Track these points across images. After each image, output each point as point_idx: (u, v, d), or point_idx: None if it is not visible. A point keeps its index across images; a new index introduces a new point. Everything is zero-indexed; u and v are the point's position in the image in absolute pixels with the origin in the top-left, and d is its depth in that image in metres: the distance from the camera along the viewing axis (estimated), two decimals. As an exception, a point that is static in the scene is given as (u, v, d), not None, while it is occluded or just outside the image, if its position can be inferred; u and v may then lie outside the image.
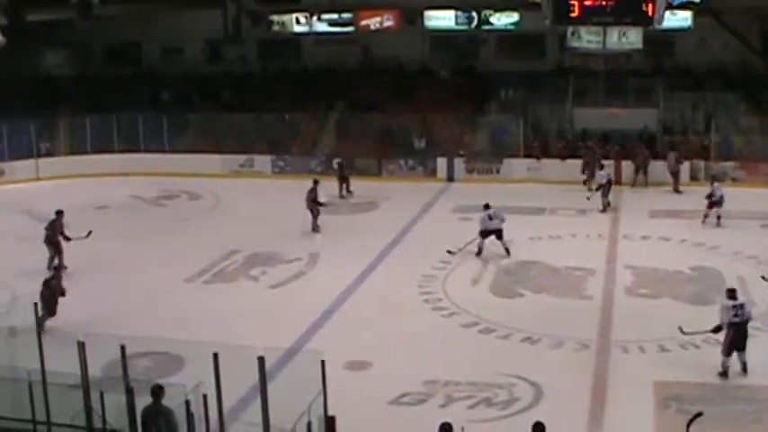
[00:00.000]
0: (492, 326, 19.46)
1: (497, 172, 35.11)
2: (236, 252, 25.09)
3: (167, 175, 35.82)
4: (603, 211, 29.04)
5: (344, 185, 32.59)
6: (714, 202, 27.24)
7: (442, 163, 35.69)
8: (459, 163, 35.46)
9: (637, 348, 18.05)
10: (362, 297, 21.68)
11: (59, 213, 23.93)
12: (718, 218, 27.20)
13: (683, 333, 17.47)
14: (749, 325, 16.89)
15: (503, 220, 24.22)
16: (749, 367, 16.72)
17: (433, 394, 16.04)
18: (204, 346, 11.93)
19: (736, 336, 16.70)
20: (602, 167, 31.31)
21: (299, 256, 24.67)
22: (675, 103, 36.60)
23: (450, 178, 35.03)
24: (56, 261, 23.00)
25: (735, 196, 29.16)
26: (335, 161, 34.22)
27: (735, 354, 16.62)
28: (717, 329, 16.92)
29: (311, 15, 40.43)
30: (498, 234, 24.10)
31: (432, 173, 35.75)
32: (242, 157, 37.34)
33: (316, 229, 27.39)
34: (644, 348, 18.04)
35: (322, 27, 40.67)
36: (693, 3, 36.14)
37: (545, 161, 34.63)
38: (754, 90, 36.72)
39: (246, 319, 19.76)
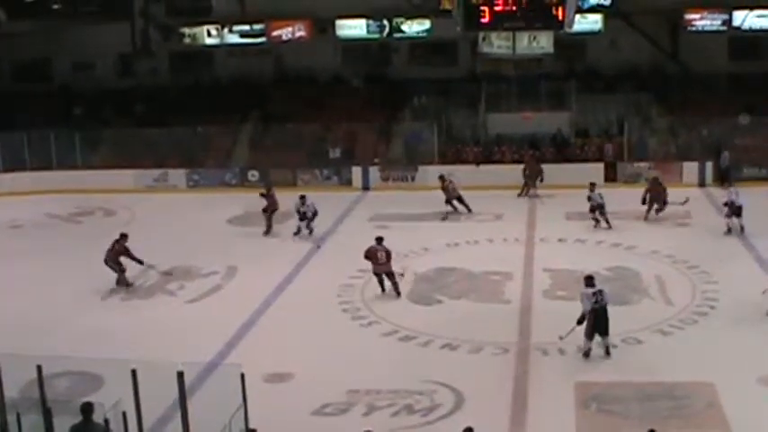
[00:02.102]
0: (412, 333, 19.41)
1: (413, 179, 35.15)
2: (152, 267, 24.71)
3: (81, 191, 35.17)
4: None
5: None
6: (734, 210, 26.66)
7: (357, 172, 35.66)
8: (374, 171, 35.44)
9: (556, 350, 18.12)
10: (281, 309, 21.47)
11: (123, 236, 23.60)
12: (742, 228, 26.58)
13: (561, 338, 17.78)
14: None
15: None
16: (670, 363, 17.03)
17: (355, 403, 15.93)
18: (122, 364, 11.76)
19: (596, 320, 17.36)
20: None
21: (216, 269, 24.40)
22: (588, 105, 37.07)
23: (366, 187, 34.99)
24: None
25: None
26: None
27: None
28: (581, 320, 17.46)
29: (222, 27, 40.10)
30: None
31: (347, 182, 35.68)
32: (156, 172, 36.90)
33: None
34: (563, 350, 18.10)
35: (233, 39, 40.37)
36: (604, 6, 36.74)
37: (460, 167, 34.67)
38: (665, 91, 37.41)
39: (165, 335, 19.47)
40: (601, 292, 17.64)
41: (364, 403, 15.93)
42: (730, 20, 37.52)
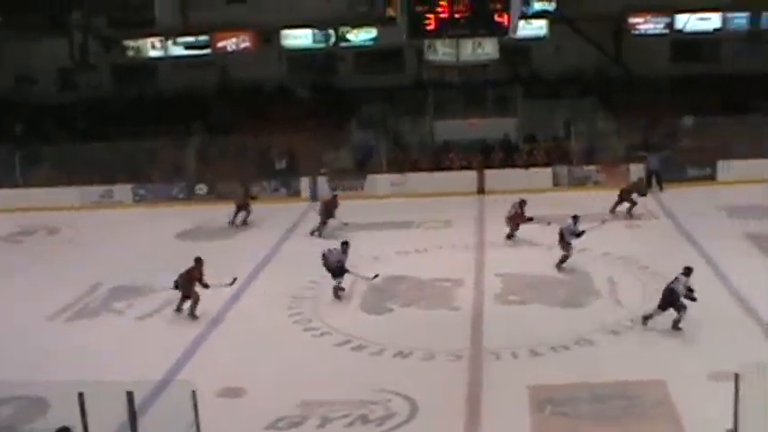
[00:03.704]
0: (364, 343, 19.28)
1: (362, 189, 35.01)
2: (99, 286, 24.33)
3: (23, 210, 34.53)
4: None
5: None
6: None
7: (305, 183, 35.41)
8: (322, 182, 35.24)
9: (509, 355, 18.13)
10: (232, 323, 21.22)
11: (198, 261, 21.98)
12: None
13: None
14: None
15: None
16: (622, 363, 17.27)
17: (309, 416, 15.77)
18: (69, 386, 11.49)
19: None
20: None
21: (164, 285, 24.04)
22: (534, 110, 37.16)
23: (314, 198, 34.76)
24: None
25: (599, 199, 29.78)
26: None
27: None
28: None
29: (166, 39, 39.77)
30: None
31: (295, 193, 35.39)
32: (101, 188, 36.20)
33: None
34: (516, 354, 18.13)
35: (178, 51, 40.02)
36: (548, 11, 36.94)
37: (410, 175, 34.65)
38: (610, 95, 37.63)
39: (113, 354, 19.15)
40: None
41: (318, 415, 15.78)
42: (673, 23, 38.06)
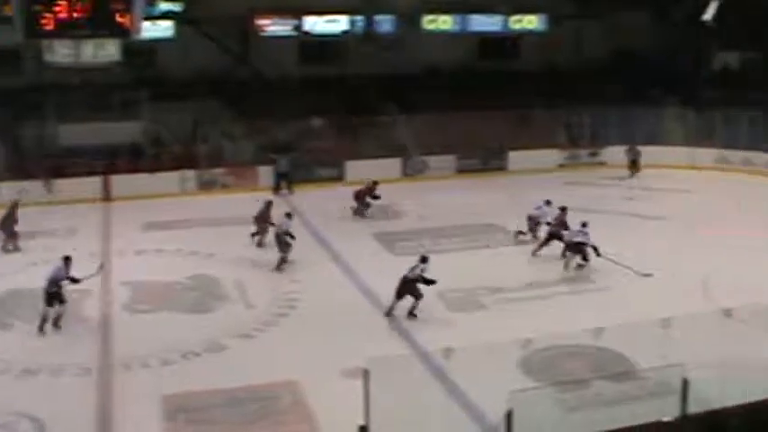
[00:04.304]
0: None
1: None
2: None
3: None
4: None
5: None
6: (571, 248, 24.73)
7: None
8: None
9: (140, 365, 17.70)
10: None
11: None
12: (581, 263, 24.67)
13: None
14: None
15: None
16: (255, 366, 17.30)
17: None
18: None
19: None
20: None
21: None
22: (161, 113, 36.47)
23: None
24: None
25: (226, 202, 29.77)
26: None
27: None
28: None
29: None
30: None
31: None
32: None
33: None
34: (147, 364, 17.74)
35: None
36: (174, 12, 36.43)
37: (30, 183, 32.65)
38: (238, 96, 37.56)
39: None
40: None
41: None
42: (300, 25, 38.67)
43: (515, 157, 37.61)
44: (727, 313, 15.75)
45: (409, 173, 36.45)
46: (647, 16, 41.84)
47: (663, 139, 38.79)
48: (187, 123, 36.53)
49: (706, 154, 37.49)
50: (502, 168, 37.47)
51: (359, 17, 38.76)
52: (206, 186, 33.82)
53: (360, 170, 34.74)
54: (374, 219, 29.40)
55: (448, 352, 13.96)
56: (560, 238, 24.35)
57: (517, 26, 42.11)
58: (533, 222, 26.47)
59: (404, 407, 13.35)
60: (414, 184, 34.07)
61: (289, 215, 25.08)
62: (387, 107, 37.49)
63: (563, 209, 25.54)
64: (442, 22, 40.65)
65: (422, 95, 38.23)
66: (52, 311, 19.58)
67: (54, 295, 19.54)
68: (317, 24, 39.03)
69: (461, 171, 37.11)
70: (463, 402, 15.61)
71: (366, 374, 12.65)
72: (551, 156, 38.48)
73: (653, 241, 26.40)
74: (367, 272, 23.40)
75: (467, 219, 28.03)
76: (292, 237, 24.24)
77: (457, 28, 40.98)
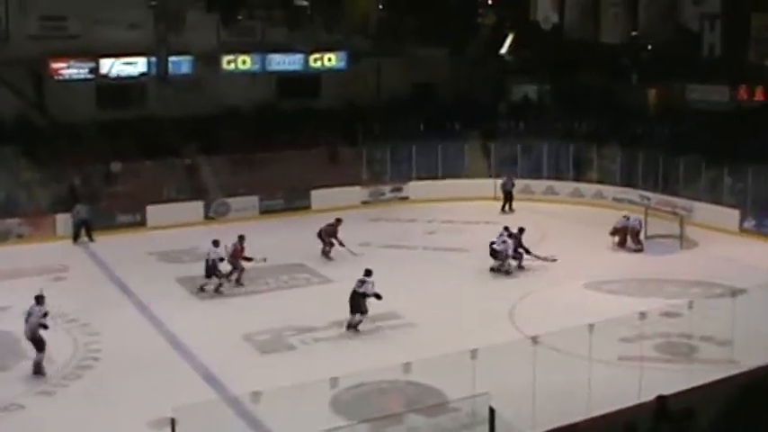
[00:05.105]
0: None
1: None
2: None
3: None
4: None
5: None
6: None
7: None
8: None
9: None
10: None
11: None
12: None
13: None
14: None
15: None
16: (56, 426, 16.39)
17: None
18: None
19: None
20: None
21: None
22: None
23: None
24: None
25: (24, 253, 28.71)
26: None
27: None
28: None
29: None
30: None
31: None
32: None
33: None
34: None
35: None
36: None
37: None
38: (32, 143, 36.17)
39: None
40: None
41: None
42: (97, 67, 37.60)
43: (319, 196, 37.59)
44: (535, 340, 16.05)
45: (211, 216, 35.94)
46: (445, 52, 42.66)
47: (465, 171, 39.84)
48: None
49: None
50: (306, 207, 37.39)
51: (154, 59, 38.01)
52: (1, 237, 32.37)
53: (161, 214, 34.29)
54: (181, 262, 28.85)
55: (256, 395, 13.72)
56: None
57: (317, 64, 42.21)
58: (503, 255, 27.37)
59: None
60: (217, 227, 33.45)
61: (215, 242, 25.91)
62: (187, 149, 37.08)
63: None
64: (242, 63, 40.38)
65: (223, 136, 38.07)
66: None
67: None
68: (114, 67, 38.01)
69: (265, 212, 36.82)
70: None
71: (173, 423, 12.36)
72: (355, 193, 38.64)
73: (455, 274, 26.99)
74: (171, 318, 23.00)
75: (272, 260, 27.76)
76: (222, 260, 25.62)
77: (257, 68, 40.78)
